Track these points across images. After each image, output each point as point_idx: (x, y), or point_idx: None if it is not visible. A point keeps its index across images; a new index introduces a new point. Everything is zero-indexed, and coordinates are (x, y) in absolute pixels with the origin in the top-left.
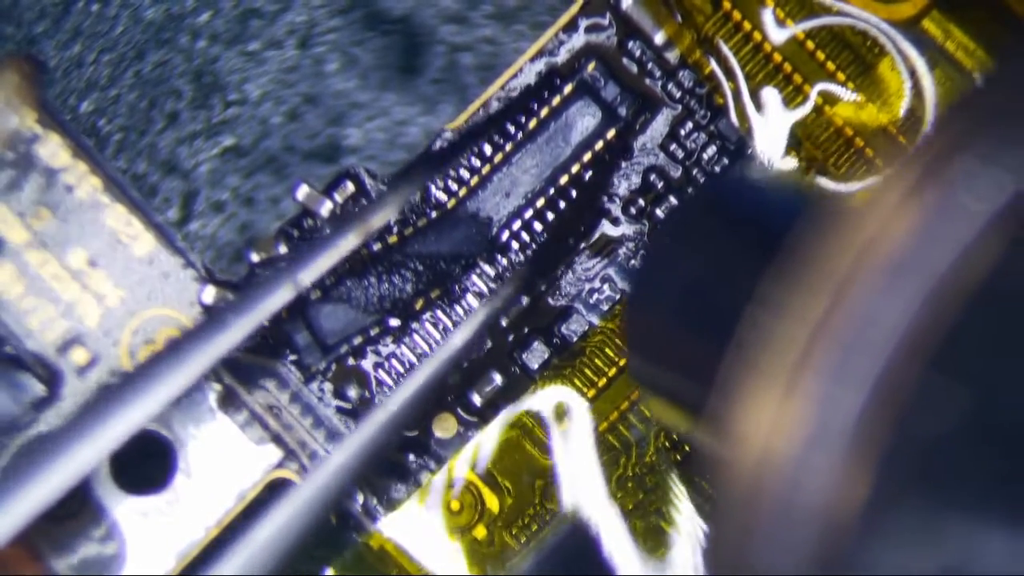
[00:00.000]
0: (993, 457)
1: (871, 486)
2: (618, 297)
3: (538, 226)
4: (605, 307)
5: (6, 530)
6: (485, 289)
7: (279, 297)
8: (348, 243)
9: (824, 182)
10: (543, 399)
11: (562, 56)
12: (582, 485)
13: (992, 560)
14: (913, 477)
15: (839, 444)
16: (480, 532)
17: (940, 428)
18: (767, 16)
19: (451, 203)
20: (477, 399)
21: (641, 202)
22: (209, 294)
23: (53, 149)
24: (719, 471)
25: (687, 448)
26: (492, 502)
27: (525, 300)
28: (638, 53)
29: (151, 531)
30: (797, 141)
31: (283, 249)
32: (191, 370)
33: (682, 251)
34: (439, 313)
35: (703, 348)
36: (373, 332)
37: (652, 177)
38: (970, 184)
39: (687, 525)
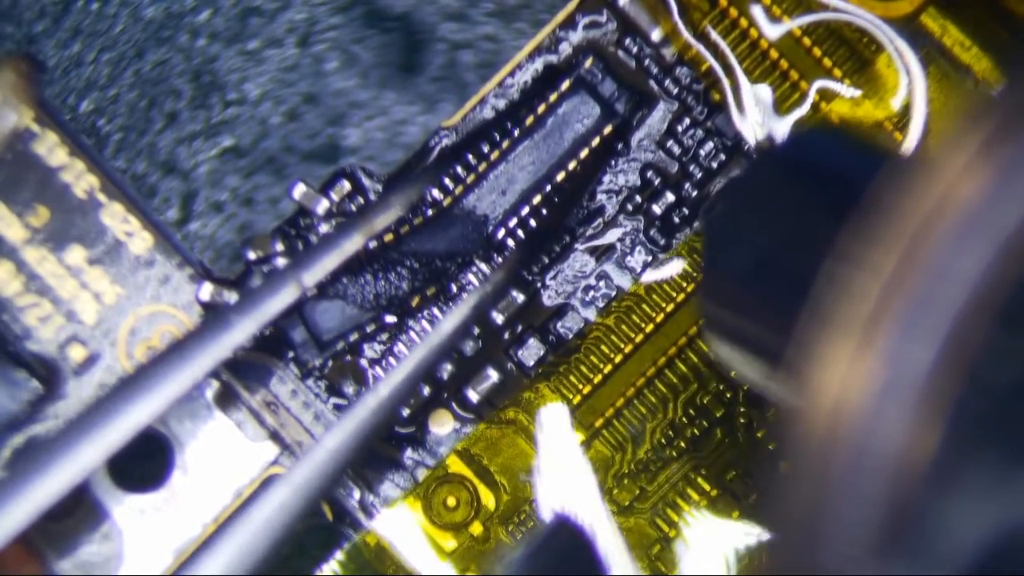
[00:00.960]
0: None
1: (942, 438)
2: (614, 294)
3: (534, 223)
4: (601, 304)
5: (8, 531)
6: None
7: (283, 298)
8: (352, 243)
9: None
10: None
11: (559, 52)
12: (573, 483)
13: None
14: (984, 430)
15: (911, 396)
16: (476, 528)
17: (1010, 380)
18: (762, 12)
19: (447, 201)
20: (473, 395)
21: (638, 198)
22: (206, 292)
23: (51, 147)
24: (794, 422)
25: (684, 444)
26: (488, 498)
27: (521, 298)
28: (635, 49)
29: (148, 528)
30: None
31: (280, 247)
32: (194, 371)
33: (758, 208)
34: (435, 310)
35: (780, 302)
36: (370, 329)
37: (649, 174)
38: None
39: (684, 522)
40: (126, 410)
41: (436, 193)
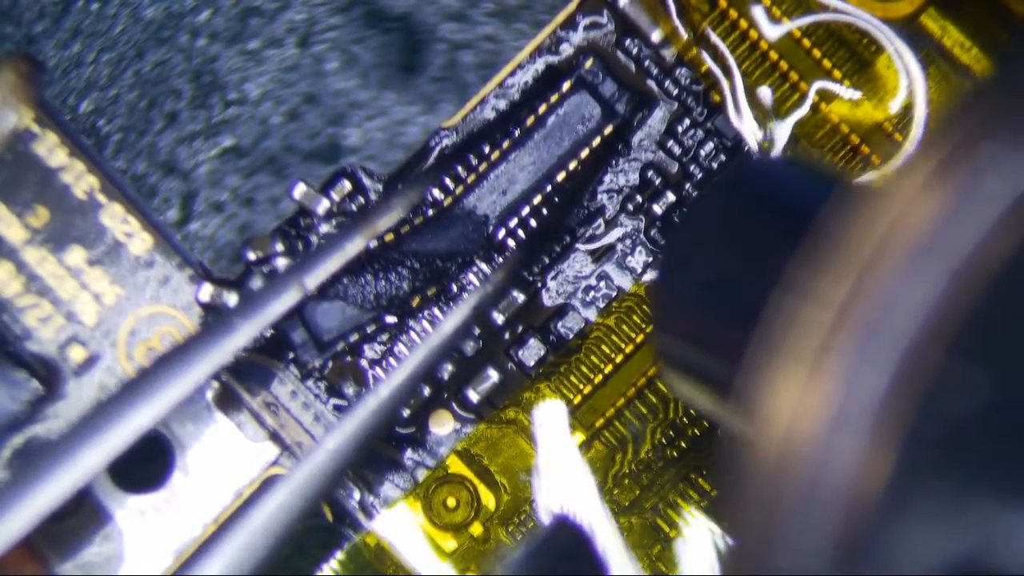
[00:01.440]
0: (1016, 438)
1: (895, 466)
2: (614, 294)
3: (535, 223)
4: (601, 304)
5: (10, 536)
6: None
7: (285, 300)
8: (354, 245)
9: None
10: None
11: (560, 53)
12: (573, 483)
13: (1017, 540)
14: (937, 458)
15: (863, 424)
16: (476, 529)
17: (963, 410)
18: (762, 13)
19: (448, 201)
20: (473, 396)
21: (639, 199)
22: (206, 292)
23: (50, 148)
24: (744, 450)
25: (684, 444)
26: (488, 499)
27: (521, 298)
28: (635, 50)
29: (149, 529)
30: (794, 139)
31: (280, 247)
32: (196, 374)
33: (708, 235)
34: (436, 310)
35: (729, 330)
36: (370, 329)
37: (649, 174)
38: (994, 169)
39: (684, 521)
40: (129, 414)
41: (437, 193)
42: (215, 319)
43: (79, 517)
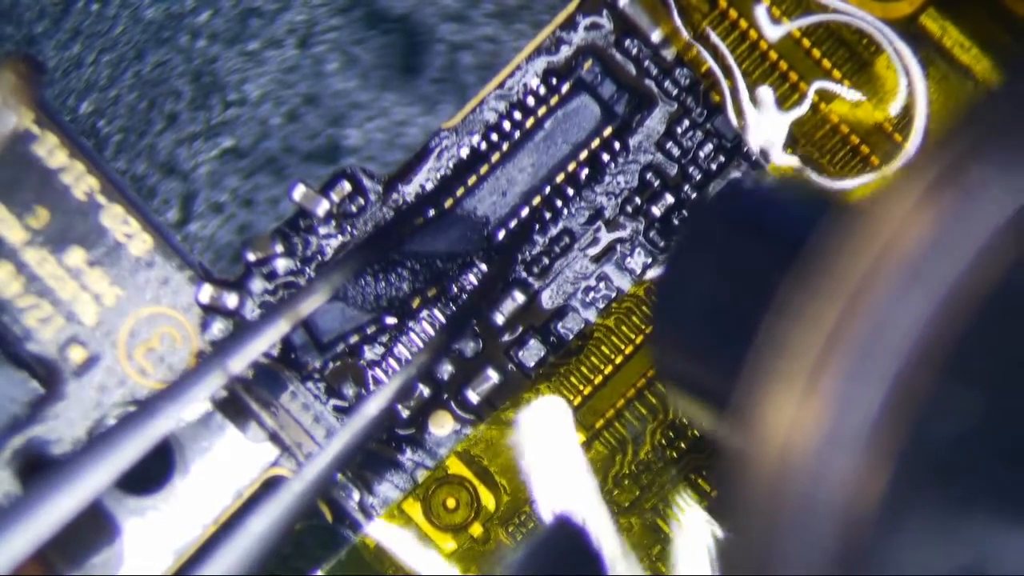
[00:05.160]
0: (1007, 459)
1: (889, 484)
2: (614, 295)
3: (535, 225)
4: (601, 305)
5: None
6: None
7: (208, 385)
8: (278, 330)
9: (819, 179)
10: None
11: (559, 54)
12: (573, 484)
13: (1009, 559)
14: (930, 477)
15: (857, 443)
16: (476, 530)
17: (956, 430)
18: (762, 13)
19: (448, 202)
20: (473, 396)
21: (637, 200)
22: (206, 293)
23: (50, 149)
24: (741, 468)
25: (684, 445)
26: (488, 500)
27: (521, 298)
28: (635, 51)
29: (149, 529)
30: (793, 139)
31: (280, 248)
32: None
33: (705, 256)
34: (435, 312)
35: (728, 349)
36: (370, 330)
37: (648, 175)
38: (985, 191)
39: (684, 522)
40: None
41: (437, 194)
42: (133, 412)
43: (80, 517)
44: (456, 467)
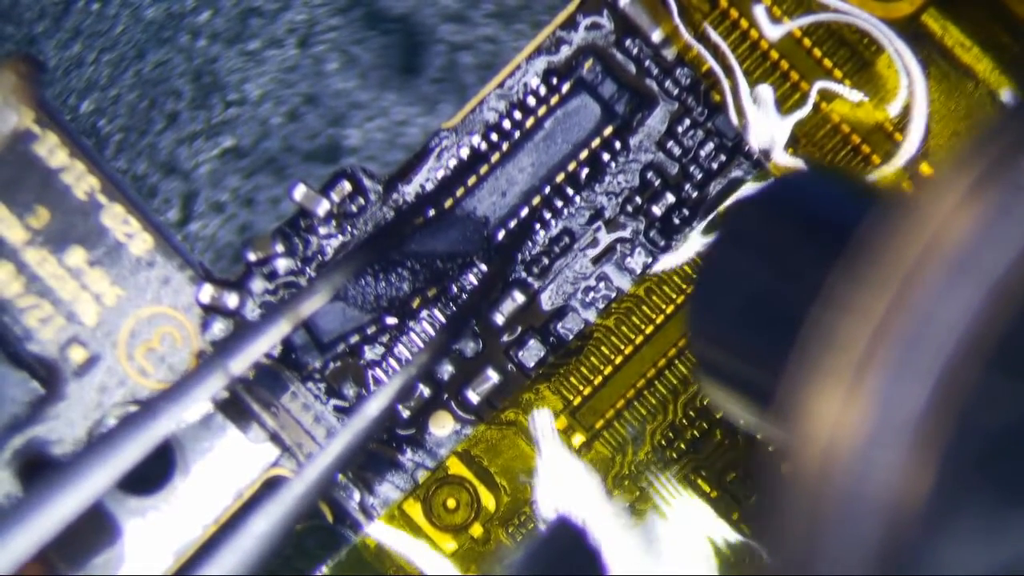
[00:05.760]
0: None
1: (935, 480)
2: (614, 295)
3: (536, 225)
4: (601, 305)
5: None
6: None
7: (209, 386)
8: (279, 331)
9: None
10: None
11: (560, 54)
12: (574, 484)
13: None
14: (977, 473)
15: (902, 439)
16: (476, 530)
17: (1002, 424)
18: (763, 13)
19: (448, 203)
20: (473, 397)
21: (638, 199)
22: (207, 293)
23: (51, 148)
24: (786, 464)
25: (684, 445)
26: (488, 500)
27: (521, 299)
28: (635, 50)
29: (149, 529)
30: (794, 138)
31: (280, 248)
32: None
33: (745, 251)
34: (435, 312)
35: (771, 343)
36: (370, 331)
37: (649, 175)
38: None
39: (684, 522)
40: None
41: (437, 194)
42: (135, 412)
43: (80, 517)
44: (456, 467)
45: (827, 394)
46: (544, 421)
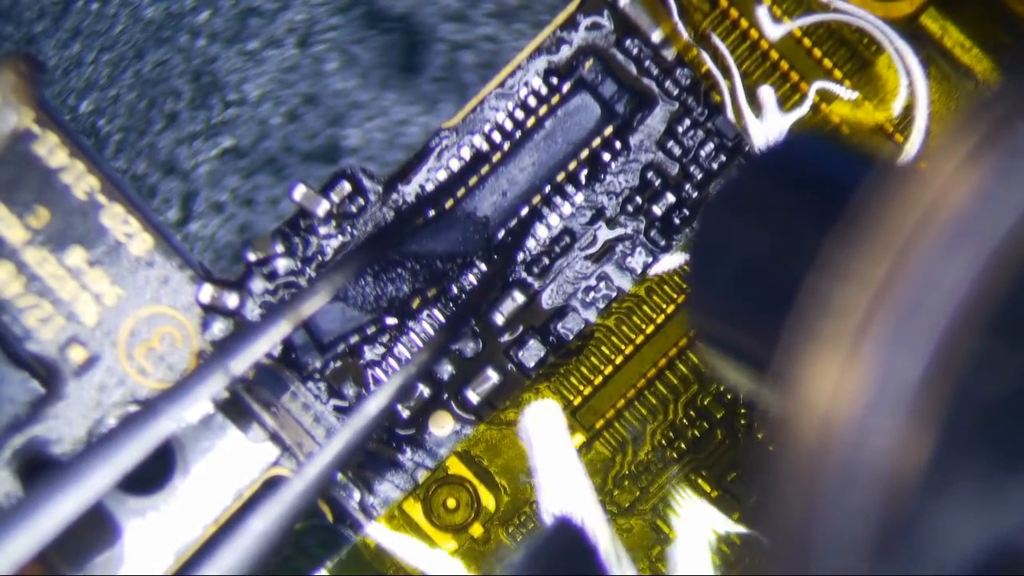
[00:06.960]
0: None
1: (933, 448)
2: (614, 295)
3: (537, 225)
4: (601, 305)
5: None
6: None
7: (209, 385)
8: (280, 331)
9: None
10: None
11: (560, 53)
12: (573, 484)
13: None
14: (976, 440)
15: (901, 406)
16: (476, 530)
17: (1001, 392)
18: (763, 13)
19: (448, 203)
20: (473, 397)
21: (638, 199)
22: (206, 293)
23: (51, 148)
24: (782, 433)
25: (684, 445)
26: (488, 500)
27: (521, 299)
28: (635, 51)
29: (149, 529)
30: None
31: (280, 248)
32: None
33: (742, 216)
34: (435, 312)
35: (768, 310)
36: (370, 331)
37: (649, 175)
38: None
39: (684, 522)
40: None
41: (437, 194)
42: (133, 414)
43: (80, 517)
44: (456, 467)
45: (825, 361)
46: (550, 414)
